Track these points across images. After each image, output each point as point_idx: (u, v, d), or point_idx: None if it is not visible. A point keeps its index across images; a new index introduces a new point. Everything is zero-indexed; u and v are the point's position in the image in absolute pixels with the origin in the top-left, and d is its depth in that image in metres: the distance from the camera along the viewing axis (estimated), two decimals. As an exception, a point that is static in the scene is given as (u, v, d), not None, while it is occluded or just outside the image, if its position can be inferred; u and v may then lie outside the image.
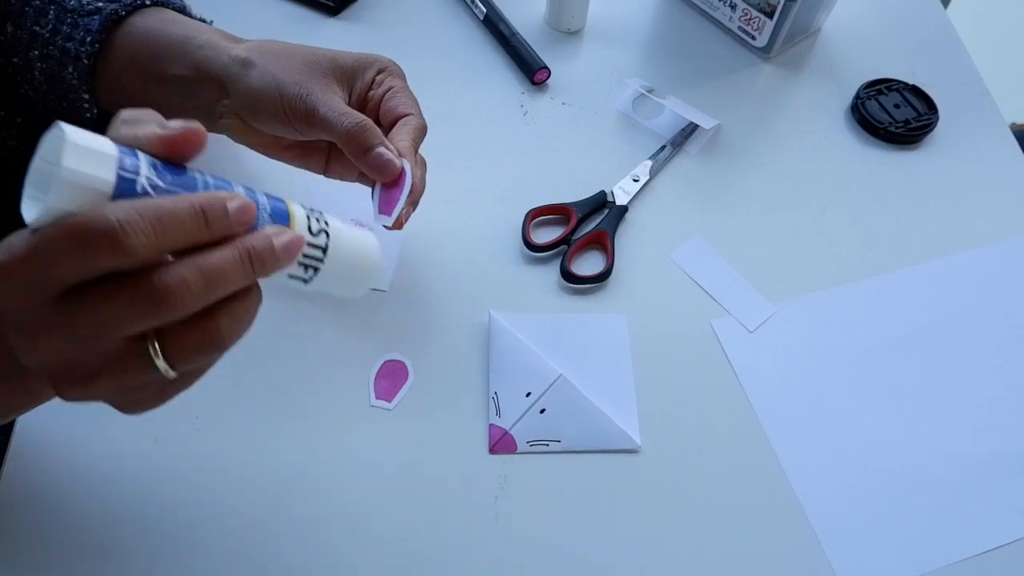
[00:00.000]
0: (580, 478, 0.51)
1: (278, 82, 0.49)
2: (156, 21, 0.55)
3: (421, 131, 0.52)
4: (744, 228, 0.63)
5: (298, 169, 0.56)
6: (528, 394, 0.53)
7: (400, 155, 0.49)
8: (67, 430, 0.50)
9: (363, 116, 0.49)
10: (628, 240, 0.62)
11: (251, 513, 0.49)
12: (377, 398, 0.53)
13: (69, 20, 0.54)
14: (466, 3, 0.75)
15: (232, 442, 0.51)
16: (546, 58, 0.71)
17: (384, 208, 0.49)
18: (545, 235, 0.61)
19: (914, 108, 0.70)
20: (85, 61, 0.54)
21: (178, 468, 0.50)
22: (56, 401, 0.52)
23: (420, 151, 0.53)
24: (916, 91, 0.71)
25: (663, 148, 0.67)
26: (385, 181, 0.49)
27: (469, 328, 0.56)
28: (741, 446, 0.53)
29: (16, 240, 0.30)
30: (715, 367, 0.56)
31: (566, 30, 0.75)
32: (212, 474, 0.50)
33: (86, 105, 0.55)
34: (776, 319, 0.58)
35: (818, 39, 0.76)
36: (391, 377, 0.54)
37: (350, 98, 0.52)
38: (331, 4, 0.73)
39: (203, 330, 0.32)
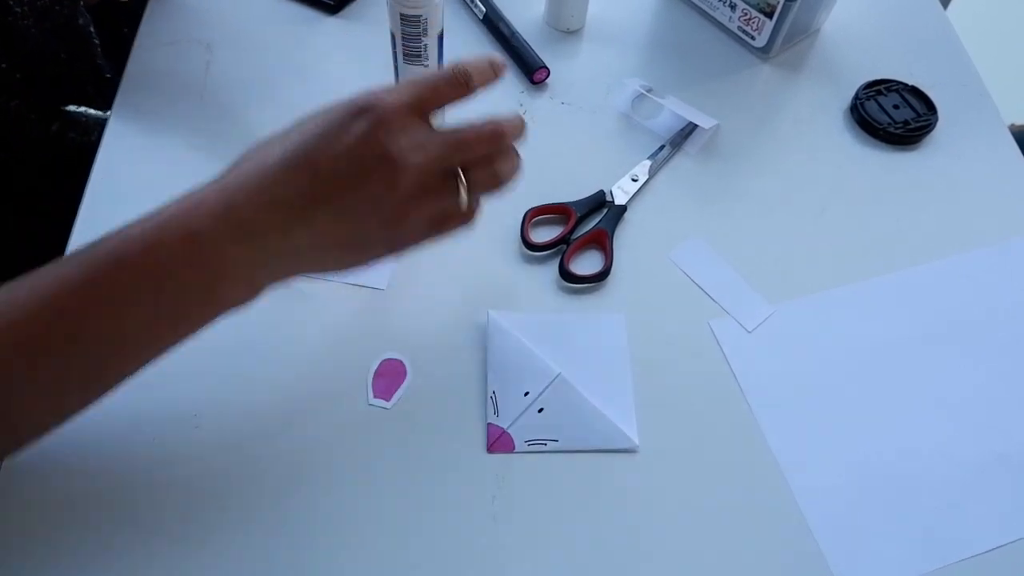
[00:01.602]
0: (578, 478, 0.51)
1: None
2: None
3: None
4: (743, 228, 0.63)
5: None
6: (526, 393, 0.53)
7: None
8: (65, 431, 0.50)
9: None
10: (627, 240, 0.62)
11: (248, 511, 0.49)
12: (375, 397, 0.53)
13: None
14: (465, 2, 0.75)
15: (230, 440, 0.51)
16: (545, 57, 0.70)
17: None
18: (544, 234, 0.61)
19: (913, 109, 0.70)
20: None
21: (176, 467, 0.50)
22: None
23: None
24: (915, 92, 0.71)
25: (662, 148, 0.67)
26: None
27: (467, 327, 0.56)
28: (739, 446, 0.53)
29: (432, 133, 0.43)
30: (713, 367, 0.56)
31: (565, 29, 0.75)
32: (210, 472, 0.50)
33: None
34: (775, 320, 0.58)
35: (817, 39, 0.76)
36: (389, 376, 0.54)
37: None
38: (331, 3, 0.73)
39: (486, 172, 0.46)
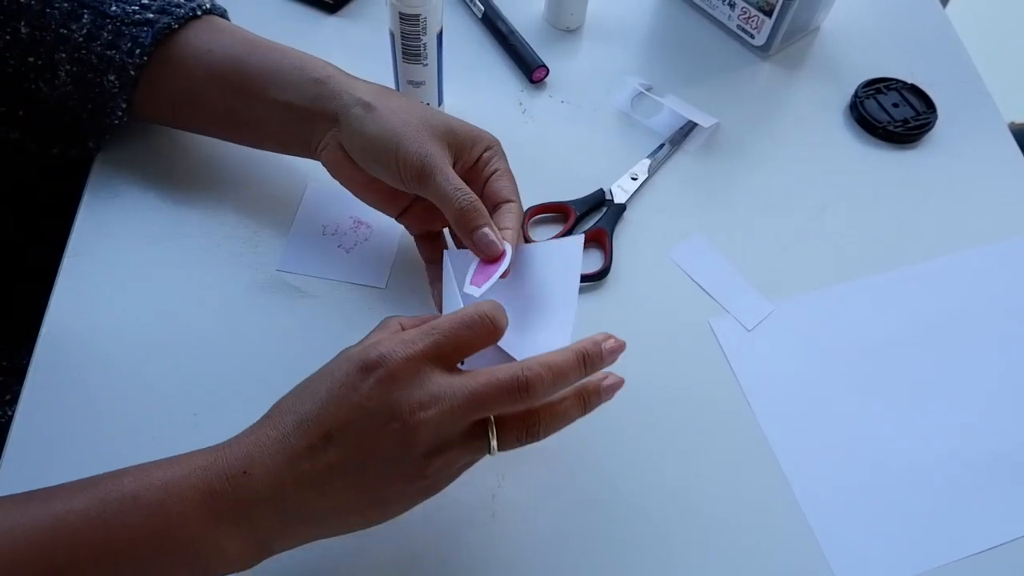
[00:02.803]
0: (579, 477, 0.51)
1: (397, 135, 0.49)
2: (233, 41, 0.55)
3: (521, 217, 0.52)
4: (743, 226, 0.63)
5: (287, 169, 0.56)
6: None
7: (503, 239, 0.49)
8: (64, 428, 0.50)
9: (474, 195, 0.49)
10: (627, 238, 0.62)
11: (248, 511, 0.49)
12: (375, 396, 0.53)
13: (110, 27, 0.54)
14: (464, 1, 0.75)
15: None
16: (545, 56, 0.70)
17: (477, 279, 0.49)
18: (543, 233, 0.61)
19: (913, 107, 0.70)
20: (131, 72, 0.54)
21: (175, 465, 0.50)
22: (55, 395, 0.52)
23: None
24: (915, 90, 0.71)
25: (662, 146, 0.67)
26: (484, 259, 0.49)
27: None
28: (739, 444, 0.53)
29: (452, 384, 0.40)
30: (713, 366, 0.56)
31: (565, 28, 0.75)
32: (209, 472, 0.50)
33: (120, 113, 0.56)
34: (774, 318, 0.58)
35: (817, 38, 0.76)
36: (389, 375, 0.54)
37: (454, 165, 0.51)
38: (330, 2, 0.73)
39: (525, 421, 0.42)
